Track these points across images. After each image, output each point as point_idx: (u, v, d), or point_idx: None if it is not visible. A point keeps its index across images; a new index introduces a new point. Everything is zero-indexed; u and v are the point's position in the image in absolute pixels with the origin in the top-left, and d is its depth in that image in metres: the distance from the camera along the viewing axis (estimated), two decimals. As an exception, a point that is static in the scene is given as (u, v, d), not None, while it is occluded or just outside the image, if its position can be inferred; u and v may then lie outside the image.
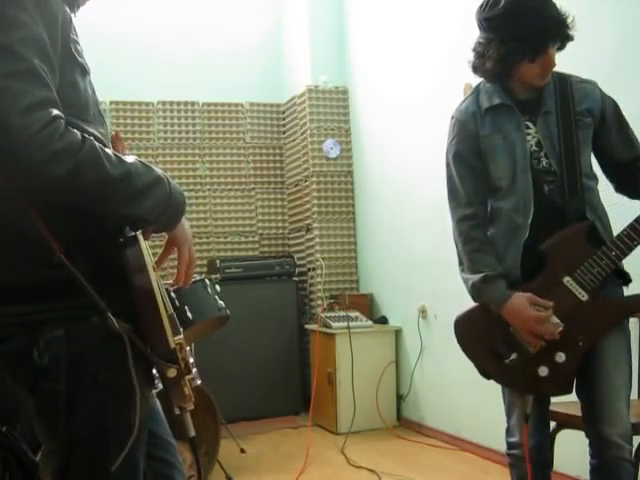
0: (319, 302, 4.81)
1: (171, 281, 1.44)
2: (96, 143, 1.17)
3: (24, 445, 1.55)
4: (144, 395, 1.25)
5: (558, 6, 1.92)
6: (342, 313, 4.52)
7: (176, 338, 1.24)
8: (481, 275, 1.96)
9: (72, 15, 1.29)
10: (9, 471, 1.51)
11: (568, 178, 1.94)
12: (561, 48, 1.97)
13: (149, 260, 1.24)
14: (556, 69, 2.00)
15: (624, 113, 2.05)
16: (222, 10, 5.30)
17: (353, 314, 4.52)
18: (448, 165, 2.10)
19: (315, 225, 4.97)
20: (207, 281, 2.94)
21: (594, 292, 1.91)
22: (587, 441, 1.94)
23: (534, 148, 1.99)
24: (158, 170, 1.28)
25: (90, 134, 1.21)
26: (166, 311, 1.23)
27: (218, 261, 4.81)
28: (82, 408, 1.22)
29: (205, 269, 4.92)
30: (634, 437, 1.92)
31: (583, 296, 1.91)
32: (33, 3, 1.16)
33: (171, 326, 1.23)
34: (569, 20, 1.92)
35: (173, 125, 5.16)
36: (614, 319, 1.94)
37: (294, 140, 5.24)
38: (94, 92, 1.34)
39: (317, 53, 5.06)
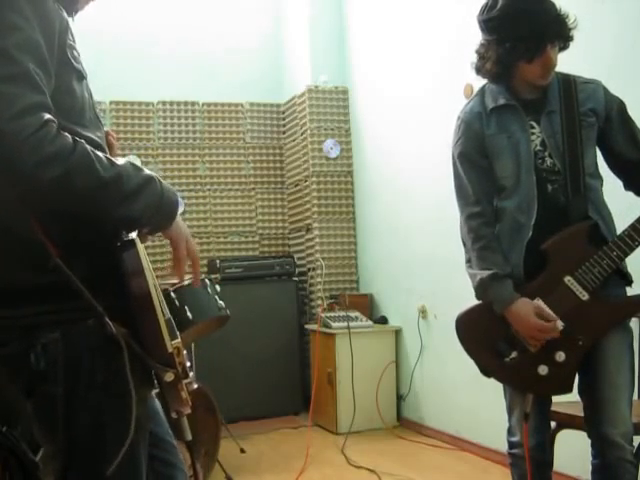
0: (319, 302, 4.81)
1: (173, 280, 1.44)
2: (87, 146, 1.17)
3: (24, 445, 1.54)
4: (141, 397, 1.26)
5: (558, 6, 1.92)
6: (342, 313, 4.52)
7: (173, 342, 1.24)
8: (490, 272, 1.96)
9: (70, 20, 1.30)
10: (9, 471, 1.50)
11: (571, 178, 1.95)
12: (563, 48, 1.97)
13: (146, 263, 1.24)
14: (557, 69, 2.00)
15: (625, 113, 2.05)
16: (222, 10, 5.30)
17: (353, 314, 4.52)
18: (455, 164, 2.10)
19: (315, 225, 4.97)
20: (207, 281, 2.94)
21: (595, 292, 1.91)
22: (587, 441, 1.94)
23: (538, 148, 1.99)
24: (148, 171, 1.28)
25: (86, 138, 1.22)
26: (163, 315, 1.24)
27: (218, 261, 4.81)
28: (81, 410, 1.23)
29: (205, 269, 4.92)
30: (634, 437, 1.92)
31: (584, 296, 1.91)
32: (30, 8, 1.16)
33: (168, 330, 1.24)
34: (570, 20, 1.92)
35: (173, 125, 5.16)
36: (614, 319, 1.94)
37: (294, 140, 5.24)
38: (91, 96, 1.35)
39: (317, 53, 5.06)
